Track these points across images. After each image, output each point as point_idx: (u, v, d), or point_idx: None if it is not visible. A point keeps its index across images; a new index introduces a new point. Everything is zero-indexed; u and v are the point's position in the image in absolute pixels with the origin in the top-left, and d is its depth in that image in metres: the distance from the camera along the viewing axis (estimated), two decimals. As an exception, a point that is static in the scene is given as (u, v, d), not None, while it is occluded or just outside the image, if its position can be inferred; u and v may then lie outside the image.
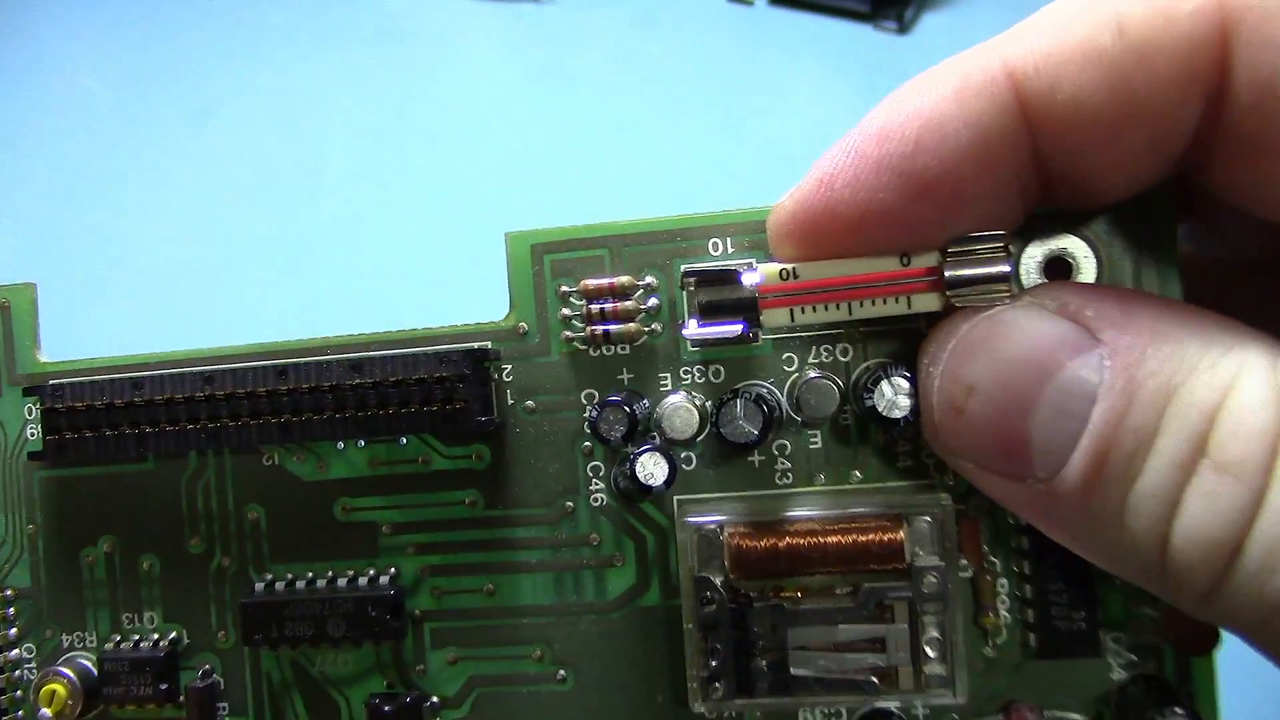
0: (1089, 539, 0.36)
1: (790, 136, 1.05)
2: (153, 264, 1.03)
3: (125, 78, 1.10)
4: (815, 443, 0.44)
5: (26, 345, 0.49)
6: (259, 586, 0.47)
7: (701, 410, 0.43)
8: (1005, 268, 0.39)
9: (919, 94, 0.36)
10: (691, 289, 0.41)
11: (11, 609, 0.50)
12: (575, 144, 1.04)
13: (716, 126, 1.06)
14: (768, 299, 0.40)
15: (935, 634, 0.42)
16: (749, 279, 0.40)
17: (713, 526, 0.43)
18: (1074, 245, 0.42)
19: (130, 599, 0.49)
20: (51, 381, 0.47)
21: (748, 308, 0.40)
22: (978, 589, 0.44)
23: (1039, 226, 0.42)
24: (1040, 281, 0.42)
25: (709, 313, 0.41)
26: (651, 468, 0.42)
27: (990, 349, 0.37)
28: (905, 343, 0.43)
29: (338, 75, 1.09)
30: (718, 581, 0.42)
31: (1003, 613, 0.43)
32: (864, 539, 0.42)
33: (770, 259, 0.43)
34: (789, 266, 0.40)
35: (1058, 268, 0.43)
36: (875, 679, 0.42)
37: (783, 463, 0.44)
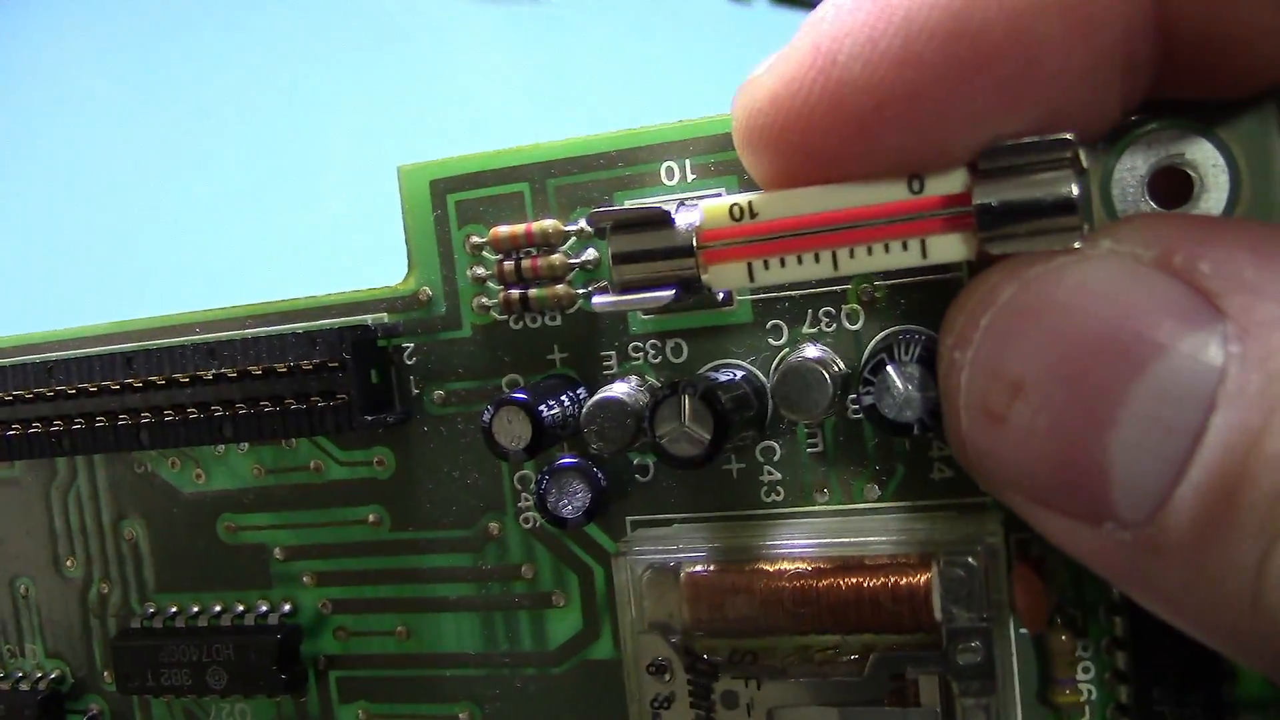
0: (1202, 613, 0.23)
1: None
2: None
3: (125, 78, 1.05)
4: (815, 445, 0.32)
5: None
6: (136, 623, 0.38)
7: (645, 406, 0.31)
8: (1070, 189, 0.25)
9: None
10: (605, 237, 0.28)
11: (-111, 636, 0.42)
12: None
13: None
14: (713, 248, 0.27)
15: (979, 724, 0.29)
16: (685, 219, 0.28)
17: (667, 563, 0.31)
18: (1197, 150, 0.28)
19: (10, 627, 0.41)
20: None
21: (684, 263, 0.28)
22: (1048, 651, 0.31)
23: (1141, 118, 0.28)
24: (1143, 206, 0.28)
25: (630, 271, 0.28)
26: (566, 494, 0.30)
27: (1046, 324, 0.23)
28: (939, 302, 0.30)
29: (337, 75, 1.01)
30: (673, 640, 0.31)
31: (1084, 686, 0.30)
32: (874, 586, 0.29)
33: (743, 189, 0.31)
34: (743, 202, 0.27)
35: (1171, 185, 0.28)
36: (892, 782, 0.29)
37: (770, 473, 0.32)
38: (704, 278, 0.27)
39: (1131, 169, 0.29)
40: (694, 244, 0.27)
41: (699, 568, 0.31)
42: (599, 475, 0.31)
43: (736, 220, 0.27)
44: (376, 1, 1.04)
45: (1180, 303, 0.22)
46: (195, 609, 0.38)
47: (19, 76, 1.06)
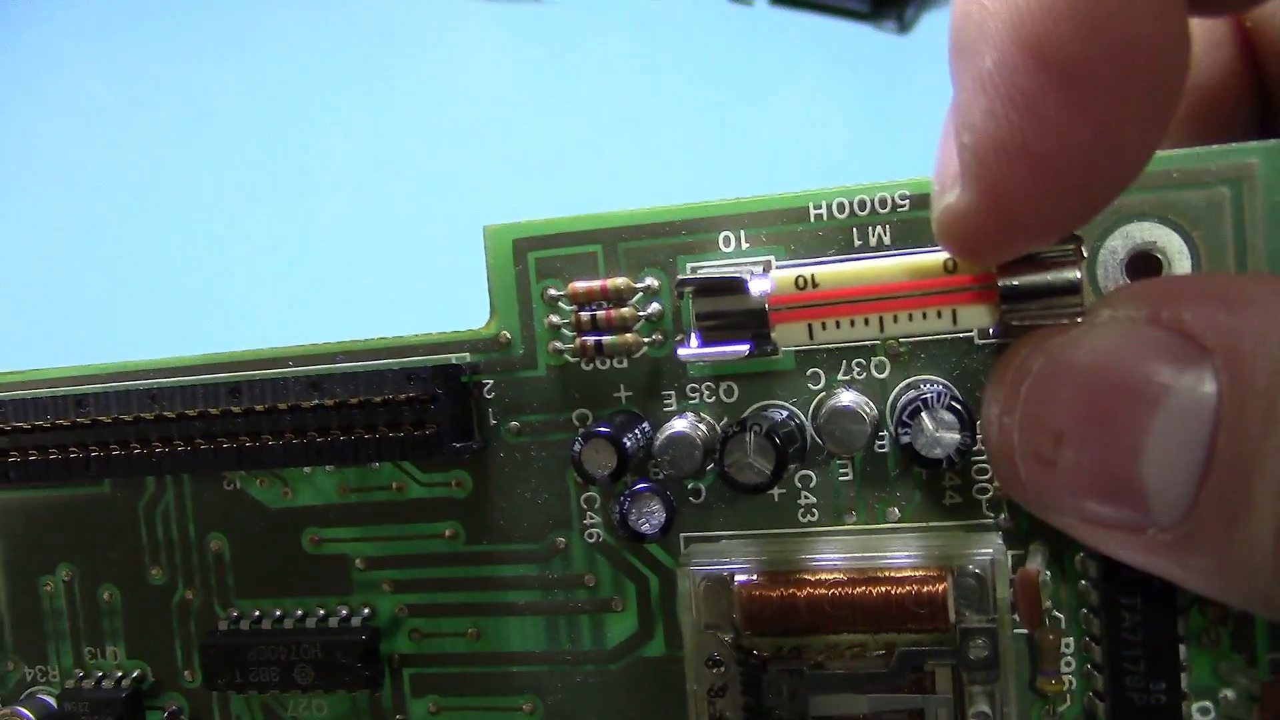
0: (1238, 588, 0.29)
1: (790, 137, 1.01)
2: (106, 273, 1.00)
3: (125, 78, 1.07)
4: (846, 474, 0.38)
5: (-30, 354, 0.45)
6: (223, 625, 0.42)
7: (708, 439, 0.36)
8: (1075, 275, 0.31)
9: None
10: (689, 300, 0.34)
11: (-30, 639, 0.46)
12: (575, 144, 1.00)
13: (716, 127, 1.02)
14: (780, 311, 0.33)
15: (984, 707, 0.35)
16: (757, 287, 0.33)
17: (722, 574, 0.37)
18: (1164, 237, 0.35)
19: (92, 632, 0.45)
20: (-6, 397, 0.43)
21: (757, 322, 0.33)
22: (1037, 647, 0.37)
23: (1122, 211, 0.35)
24: (1120, 283, 0.35)
25: (710, 329, 0.34)
26: (644, 513, 0.35)
27: (1073, 383, 0.29)
28: (954, 357, 0.36)
29: (337, 75, 1.05)
30: (727, 639, 0.36)
31: (1066, 676, 0.37)
32: (899, 593, 0.35)
33: (790, 257, 0.37)
34: (806, 273, 0.33)
35: (1144, 265, 0.35)
36: (912, 757, 0.35)
37: (807, 497, 0.38)
38: (773, 335, 0.33)
39: (1112, 253, 0.35)
40: (765, 307, 0.33)
41: (749, 577, 0.36)
42: (671, 497, 0.36)
43: (800, 289, 0.33)
44: (381, 4, 1.06)
45: (1174, 349, 0.28)
46: (278, 613, 0.42)
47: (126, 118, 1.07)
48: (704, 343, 0.34)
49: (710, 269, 0.37)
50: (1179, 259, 0.35)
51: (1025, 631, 0.36)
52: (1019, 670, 0.36)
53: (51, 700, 0.45)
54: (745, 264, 0.37)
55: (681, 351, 0.34)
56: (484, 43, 1.08)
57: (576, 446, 0.36)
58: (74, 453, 0.42)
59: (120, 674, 0.44)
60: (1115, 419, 0.28)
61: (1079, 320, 0.31)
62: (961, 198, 0.28)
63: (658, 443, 0.36)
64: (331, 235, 0.98)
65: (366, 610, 0.42)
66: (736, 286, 0.33)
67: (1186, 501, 0.28)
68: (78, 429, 0.41)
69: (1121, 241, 0.35)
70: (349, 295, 0.93)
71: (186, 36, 1.08)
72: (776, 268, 0.34)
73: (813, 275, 0.33)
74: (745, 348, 0.33)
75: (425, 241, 0.89)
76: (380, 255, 0.95)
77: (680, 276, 0.35)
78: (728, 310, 0.34)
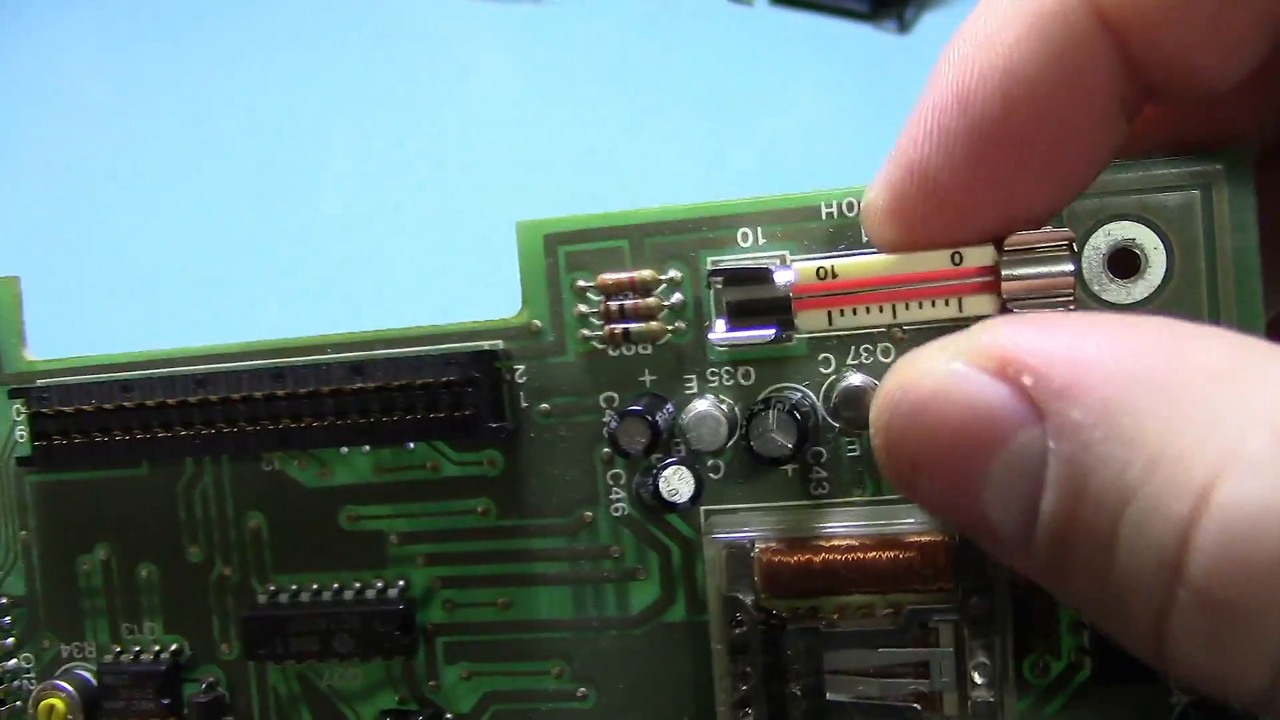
0: (1088, 610, 0.32)
1: (790, 137, 1.05)
2: (151, 261, 1.01)
3: (125, 78, 1.08)
4: (854, 450, 0.41)
5: (12, 343, 0.46)
6: (261, 599, 0.45)
7: (730, 418, 0.40)
8: (1068, 266, 0.35)
9: (985, 41, 0.32)
10: (719, 289, 0.37)
11: (7, 618, 0.47)
12: (575, 145, 1.03)
13: (716, 127, 1.06)
14: (803, 300, 0.36)
15: (983, 659, 0.38)
16: (782, 277, 0.37)
17: (743, 542, 0.40)
18: (1143, 235, 0.38)
19: (129, 608, 0.47)
20: (39, 382, 0.45)
21: (780, 309, 0.37)
22: (1031, 608, 0.40)
23: (1105, 212, 0.38)
24: (1104, 278, 0.39)
25: (738, 314, 0.37)
26: (676, 484, 0.38)
27: (924, 424, 0.31)
28: (952, 342, 0.40)
29: (338, 75, 1.07)
30: (748, 601, 0.39)
31: (1059, 633, 0.40)
32: (906, 557, 0.39)
33: (803, 252, 0.40)
34: (826, 265, 0.36)
35: (1124, 260, 0.39)
36: (918, 705, 0.39)
37: (819, 472, 0.41)
38: (796, 321, 0.36)
39: (1095, 249, 0.39)
40: (789, 295, 0.36)
41: (768, 544, 0.39)
42: (699, 471, 0.39)
43: (821, 279, 0.36)
44: (382, 4, 1.08)
45: (1014, 407, 0.29)
46: (315, 586, 0.45)
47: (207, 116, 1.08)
48: (732, 327, 0.37)
49: (731, 263, 0.40)
50: (1155, 254, 0.39)
51: (1019, 593, 0.40)
52: (1015, 628, 0.40)
53: (89, 675, 0.47)
54: (763, 258, 0.40)
55: (712, 335, 0.38)
56: (484, 43, 1.10)
57: (612, 423, 0.39)
58: (119, 436, 0.44)
59: (158, 648, 0.46)
60: (958, 459, 0.30)
61: (1071, 306, 0.35)
62: (872, 195, 0.34)
63: (687, 419, 0.39)
64: (370, 233, 1.00)
65: (401, 583, 0.44)
66: (763, 276, 0.37)
67: (1025, 537, 0.30)
68: (123, 413, 0.43)
69: (1104, 239, 0.39)
70: (387, 288, 0.95)
71: (187, 37, 1.10)
72: (797, 260, 0.37)
73: (833, 267, 0.36)
74: (771, 332, 0.37)
75: (460, 236, 0.92)
76: (416, 249, 0.97)
77: (712, 266, 0.38)
78: (755, 298, 0.37)
